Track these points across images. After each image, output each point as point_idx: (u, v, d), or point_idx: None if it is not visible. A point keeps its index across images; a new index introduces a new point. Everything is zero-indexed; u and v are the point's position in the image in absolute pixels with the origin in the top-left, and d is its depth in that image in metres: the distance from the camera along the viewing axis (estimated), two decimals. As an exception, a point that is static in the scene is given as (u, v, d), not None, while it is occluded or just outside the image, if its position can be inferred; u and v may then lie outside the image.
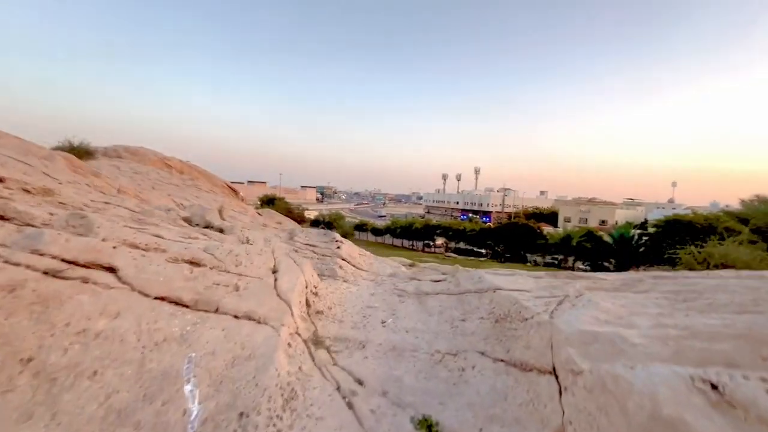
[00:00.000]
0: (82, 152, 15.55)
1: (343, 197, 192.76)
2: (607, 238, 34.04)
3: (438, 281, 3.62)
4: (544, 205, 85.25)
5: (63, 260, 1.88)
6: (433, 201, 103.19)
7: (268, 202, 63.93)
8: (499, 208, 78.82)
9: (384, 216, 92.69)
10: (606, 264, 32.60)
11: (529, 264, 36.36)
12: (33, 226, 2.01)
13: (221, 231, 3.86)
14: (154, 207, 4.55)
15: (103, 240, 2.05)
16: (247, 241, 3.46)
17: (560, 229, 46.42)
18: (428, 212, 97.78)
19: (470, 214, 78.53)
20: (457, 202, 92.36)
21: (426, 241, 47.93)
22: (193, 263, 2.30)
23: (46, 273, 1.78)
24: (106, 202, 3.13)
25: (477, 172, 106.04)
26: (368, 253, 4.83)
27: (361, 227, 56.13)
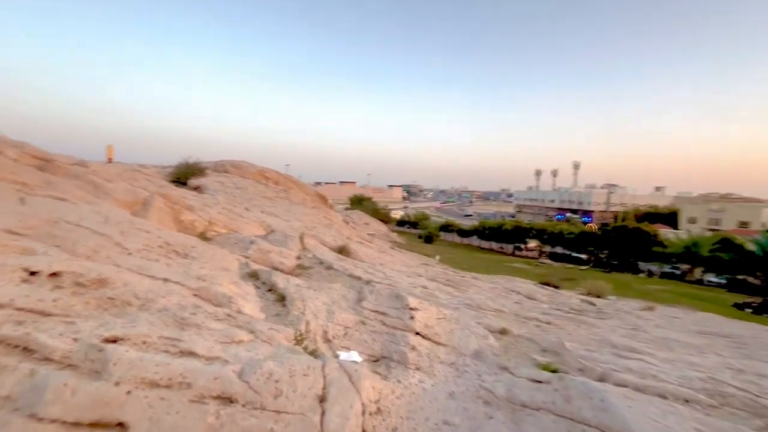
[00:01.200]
0: (195, 170, 17.29)
1: (429, 195, 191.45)
2: (750, 246, 27.63)
3: (539, 383, 2.75)
4: (661, 202, 73.25)
5: (63, 423, 1.55)
6: (525, 199, 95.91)
7: (357, 201, 66.00)
8: (602, 207, 70.01)
9: (471, 215, 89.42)
10: (750, 279, 26.51)
11: (642, 275, 31.43)
12: (51, 361, 1.71)
13: (283, 299, 3.49)
14: (221, 268, 4.40)
15: (117, 384, 1.69)
16: (306, 329, 2.99)
17: (682, 233, 39.34)
18: (519, 211, 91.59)
19: (568, 214, 71.28)
20: (553, 201, 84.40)
21: (517, 244, 44.60)
22: (222, 400, 1.86)
23: (37, 451, 1.46)
24: (165, 279, 2.92)
25: (576, 166, 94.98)
26: (447, 313, 4.09)
27: (446, 228, 54.67)
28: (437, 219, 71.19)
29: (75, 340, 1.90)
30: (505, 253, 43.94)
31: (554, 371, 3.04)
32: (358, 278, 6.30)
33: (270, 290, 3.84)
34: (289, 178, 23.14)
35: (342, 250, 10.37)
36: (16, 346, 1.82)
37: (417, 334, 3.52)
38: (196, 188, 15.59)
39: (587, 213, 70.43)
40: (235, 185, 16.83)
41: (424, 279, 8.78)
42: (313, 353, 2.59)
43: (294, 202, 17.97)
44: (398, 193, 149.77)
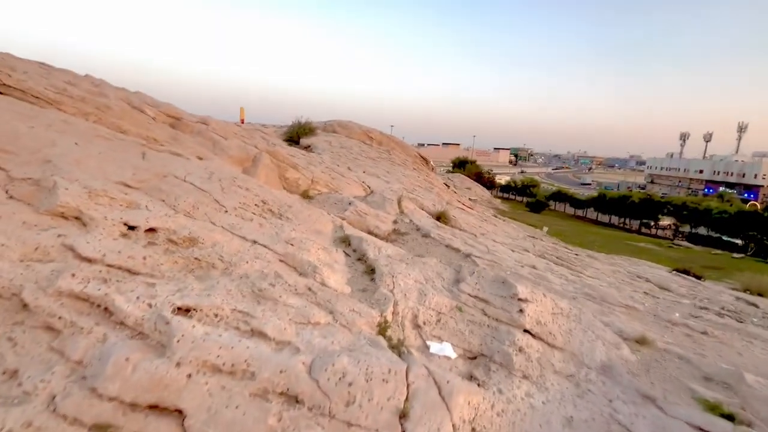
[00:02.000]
0: (306, 130, 18.18)
1: (540, 160, 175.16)
2: None
3: None
4: None
5: (121, 403, 1.41)
6: (662, 168, 79.97)
7: (460, 164, 63.66)
8: (773, 182, 55.10)
9: (589, 184, 79.44)
10: None
11: (825, 272, 24.24)
12: (125, 326, 1.61)
13: (372, 272, 3.16)
14: (314, 231, 4.26)
15: (178, 365, 1.52)
16: (393, 311, 2.60)
17: None
18: (652, 182, 77.86)
19: (721, 188, 57.96)
20: (701, 171, 68.55)
21: (645, 221, 38.06)
22: (287, 398, 1.59)
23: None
24: (254, 242, 2.80)
25: (742, 129, 73.35)
26: (565, 307, 3.32)
27: (558, 196, 49.36)
28: (548, 186, 65.07)
29: (150, 306, 1.79)
30: (628, 230, 38.16)
31: (730, 417, 2.14)
32: (457, 250, 5.74)
33: (359, 260, 3.55)
34: (392, 139, 22.96)
35: (441, 216, 9.82)
36: (98, 306, 1.77)
37: (526, 331, 2.88)
38: (306, 147, 16.38)
39: (751, 189, 56.39)
40: (341, 145, 17.24)
41: (531, 255, 7.80)
42: (398, 347, 2.20)
43: (395, 163, 17.77)
44: (505, 157, 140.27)
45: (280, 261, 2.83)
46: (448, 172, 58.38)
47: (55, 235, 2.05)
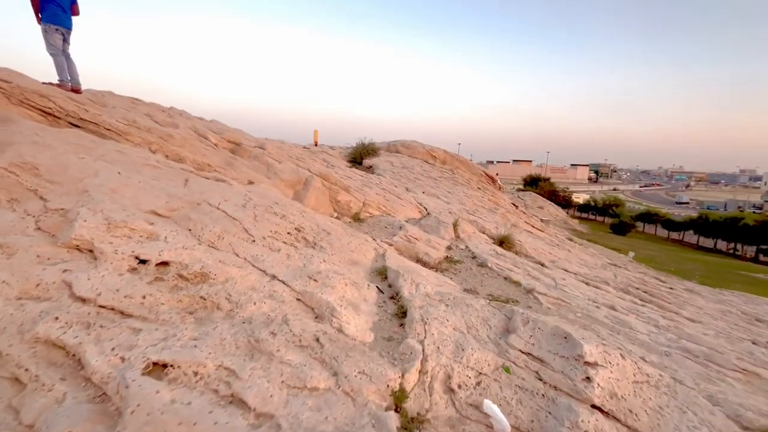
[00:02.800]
0: (369, 150, 18.41)
1: (625, 177, 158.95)
2: None
3: None
4: None
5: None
6: (782, 184, 67.75)
7: (531, 182, 60.20)
8: None
9: (686, 203, 69.89)
10: None
11: None
12: (90, 384, 1.41)
13: (404, 315, 2.73)
14: (349, 261, 3.94)
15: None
16: (421, 370, 2.16)
17: None
18: (769, 201, 66.12)
19: None
20: (836, 188, 56.66)
21: (763, 247, 31.89)
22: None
23: None
24: (273, 277, 2.56)
25: None
26: (652, 373, 2.55)
27: (647, 217, 43.92)
28: (634, 205, 58.57)
29: (122, 360, 1.58)
30: (740, 257, 32.39)
31: None
32: (517, 284, 5.04)
33: (393, 298, 3.15)
34: (456, 157, 22.32)
35: (504, 241, 8.99)
36: (72, 356, 1.60)
37: (594, 407, 2.22)
38: (368, 167, 16.49)
39: None
40: (402, 165, 17.09)
41: (611, 290, 6.67)
42: (416, 427, 1.74)
43: (458, 183, 17.11)
44: (583, 174, 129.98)
45: (297, 300, 2.54)
46: (519, 190, 55.47)
47: (61, 271, 1.99)
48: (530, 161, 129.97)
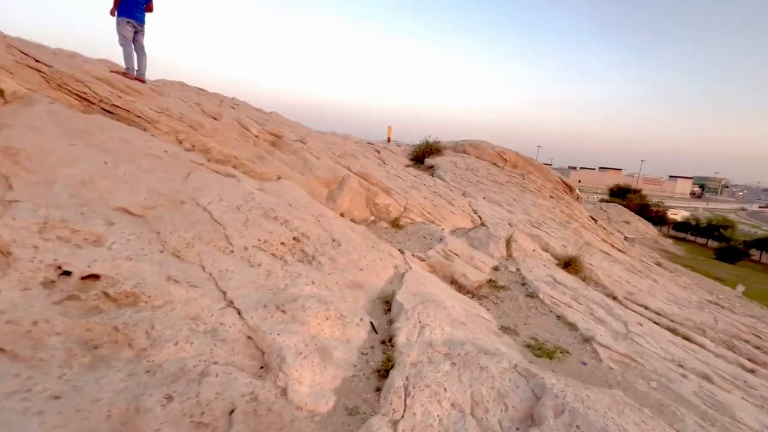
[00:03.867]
0: (432, 149, 17.53)
1: (740, 194, 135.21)
2: None
3: None
4: None
5: None
6: None
7: (618, 193, 53.78)
8: None
9: (822, 232, 57.00)
10: None
11: None
12: None
13: (388, 369, 2.03)
14: (350, 283, 3.30)
15: None
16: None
17: None
18: None
19: None
20: None
21: None
22: None
23: None
24: (229, 303, 2.04)
25: None
26: None
27: (765, 243, 36.39)
28: (749, 228, 49.44)
29: None
30: None
31: None
32: (572, 326, 3.98)
33: (385, 342, 2.44)
34: (529, 161, 20.40)
35: (571, 263, 7.64)
36: None
37: None
38: (430, 167, 15.65)
39: None
40: (466, 166, 15.95)
41: (707, 343, 5.14)
42: None
43: (527, 190, 15.48)
44: (684, 187, 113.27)
45: (248, 338, 1.98)
46: (602, 201, 49.95)
47: (-46, 280, 1.64)
48: (620, 170, 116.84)
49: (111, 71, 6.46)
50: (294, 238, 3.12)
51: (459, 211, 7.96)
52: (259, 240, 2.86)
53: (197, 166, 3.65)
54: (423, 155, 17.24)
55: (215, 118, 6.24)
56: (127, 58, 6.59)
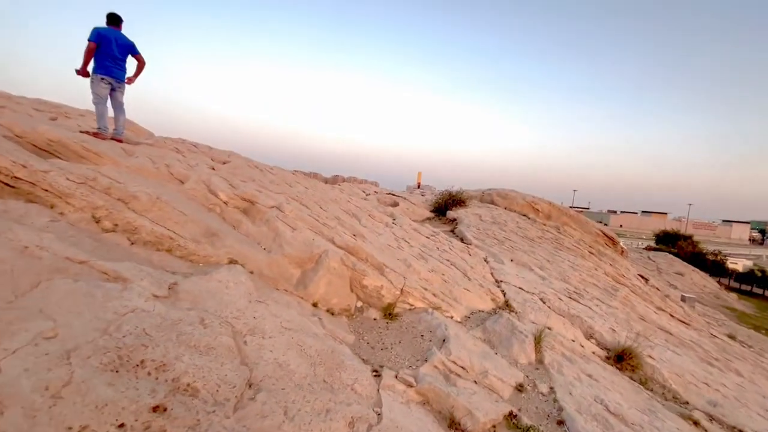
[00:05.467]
0: (456, 200, 16.25)
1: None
2: None
3: None
4: None
5: None
6: None
7: (665, 239, 49.13)
8: None
9: None
10: None
11: None
12: None
13: None
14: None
15: None
16: None
17: None
18: None
19: None
20: None
21: None
22: None
23: None
24: None
25: None
26: None
27: None
28: (830, 284, 43.03)
29: None
30: None
31: None
32: None
33: None
34: (564, 211, 18.54)
35: (624, 357, 5.83)
36: None
37: None
38: (452, 221, 14.29)
39: None
40: (493, 219, 14.44)
41: None
42: None
43: (563, 246, 13.63)
44: (741, 232, 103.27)
45: None
46: (649, 249, 45.68)
47: None
48: (665, 213, 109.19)
49: (80, 131, 5.86)
50: (158, 407, 1.86)
51: (477, 285, 6.46)
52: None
53: (74, 266, 2.56)
54: (445, 207, 15.97)
55: (182, 182, 5.36)
56: (100, 117, 5.99)
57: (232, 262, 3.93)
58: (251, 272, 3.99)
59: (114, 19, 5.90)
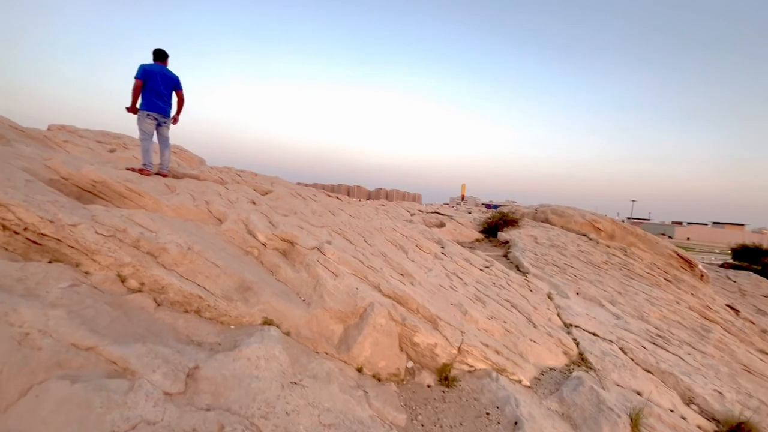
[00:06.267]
0: (507, 220, 15.13)
1: None
2: None
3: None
4: None
5: None
6: None
7: (744, 254, 43.36)
8: None
9: None
10: None
11: None
12: None
13: None
14: None
15: None
16: None
17: None
18: None
19: None
20: None
21: None
22: None
23: None
24: None
25: None
26: None
27: None
28: None
29: None
30: None
31: None
32: None
33: None
34: (630, 230, 16.68)
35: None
36: None
37: None
38: (504, 243, 13.22)
39: None
40: (550, 241, 13.16)
41: None
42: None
43: (633, 272, 12.04)
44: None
45: None
46: (725, 266, 40.53)
47: None
48: (742, 225, 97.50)
49: (127, 168, 5.79)
50: None
51: (544, 334, 5.52)
52: None
53: (78, 356, 2.14)
54: (496, 227, 14.89)
55: (221, 221, 5.05)
56: (145, 153, 5.89)
57: (266, 322, 3.43)
58: (287, 333, 3.47)
59: (160, 55, 5.84)
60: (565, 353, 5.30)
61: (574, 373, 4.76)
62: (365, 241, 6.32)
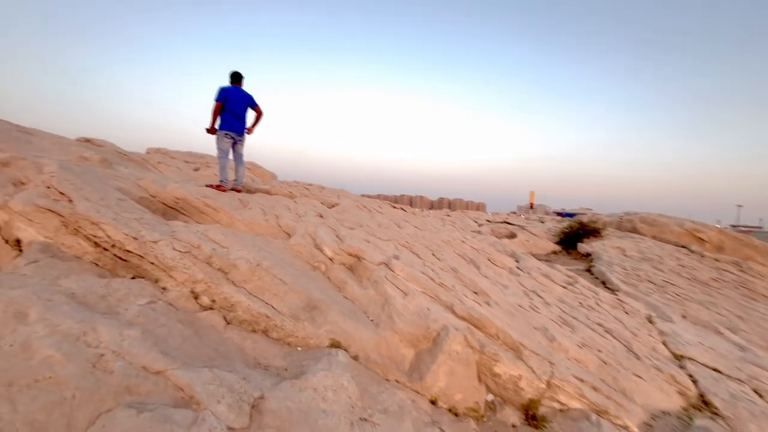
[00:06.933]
0: (588, 230, 13.61)
1: None
2: None
3: None
4: None
5: None
6: None
7: None
8: None
9: None
10: None
11: None
12: None
13: None
14: None
15: None
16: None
17: None
18: None
19: None
20: None
21: None
22: None
23: None
24: None
25: None
26: None
27: None
28: None
29: None
30: None
31: None
32: None
33: None
34: (744, 241, 14.09)
35: None
36: None
37: None
38: (586, 256, 11.88)
39: None
40: (642, 254, 11.52)
41: None
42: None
43: (756, 292, 9.98)
44: None
45: None
46: None
47: None
48: None
49: (206, 185, 6.08)
50: None
51: (650, 368, 4.61)
52: None
53: (147, 381, 2.05)
54: (575, 237, 13.48)
55: (289, 235, 5.02)
56: (222, 170, 6.16)
57: (334, 344, 3.19)
58: (355, 357, 3.20)
59: (236, 78, 6.12)
60: (681, 393, 4.34)
61: (697, 421, 3.84)
62: (434, 255, 5.91)
